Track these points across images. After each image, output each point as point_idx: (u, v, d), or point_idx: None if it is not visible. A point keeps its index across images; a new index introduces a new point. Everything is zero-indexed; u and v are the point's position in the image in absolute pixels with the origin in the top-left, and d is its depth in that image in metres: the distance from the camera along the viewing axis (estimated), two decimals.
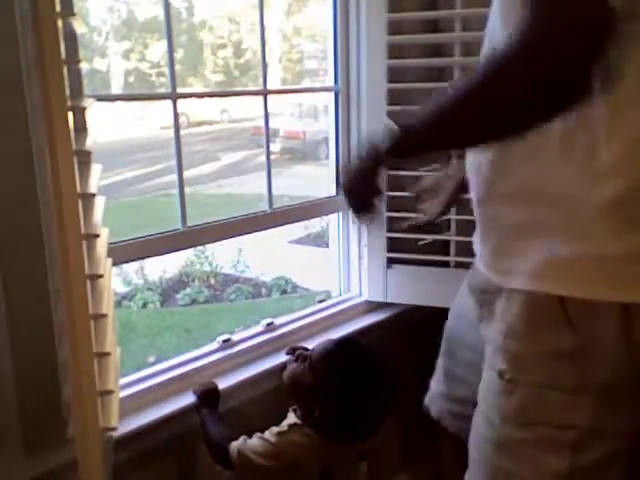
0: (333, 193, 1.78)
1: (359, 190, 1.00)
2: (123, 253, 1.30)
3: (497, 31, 0.87)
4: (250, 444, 1.24)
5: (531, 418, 0.89)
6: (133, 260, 1.39)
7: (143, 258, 1.43)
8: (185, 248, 1.49)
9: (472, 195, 1.00)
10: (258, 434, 1.26)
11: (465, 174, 1.28)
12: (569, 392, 0.86)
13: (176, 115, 1.37)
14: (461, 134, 0.80)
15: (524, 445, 0.89)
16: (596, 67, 0.67)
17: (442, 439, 1.35)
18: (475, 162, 0.96)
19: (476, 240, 1.02)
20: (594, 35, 0.65)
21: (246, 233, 1.57)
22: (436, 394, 1.30)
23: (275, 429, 1.27)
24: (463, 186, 1.31)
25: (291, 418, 1.30)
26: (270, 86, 1.56)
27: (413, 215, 1.69)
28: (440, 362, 1.30)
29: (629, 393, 0.87)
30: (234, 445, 1.24)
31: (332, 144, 1.77)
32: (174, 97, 1.36)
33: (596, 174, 0.80)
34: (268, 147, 1.63)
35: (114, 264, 1.22)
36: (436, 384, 1.30)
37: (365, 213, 1.03)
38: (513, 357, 0.89)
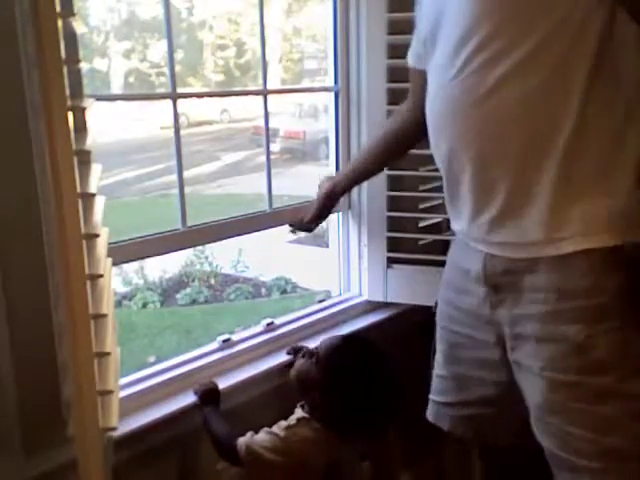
0: None
1: None
2: (123, 253, 1.30)
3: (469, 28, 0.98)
4: (258, 439, 1.24)
5: (617, 359, 0.97)
6: (133, 260, 1.39)
7: (143, 258, 1.43)
8: (185, 248, 1.49)
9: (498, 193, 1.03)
10: (266, 429, 1.26)
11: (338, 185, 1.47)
12: (637, 325, 0.96)
13: (176, 115, 1.37)
14: None
15: (620, 384, 0.97)
16: None
17: (445, 441, 1.35)
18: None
19: (496, 230, 1.04)
20: None
21: (246, 233, 1.57)
22: (444, 406, 1.27)
23: (284, 423, 1.27)
24: (331, 198, 1.48)
25: (299, 413, 1.30)
26: (270, 86, 1.56)
27: (413, 215, 1.71)
28: (442, 373, 1.27)
29: None
30: (242, 441, 1.24)
31: (332, 144, 1.77)
32: (174, 97, 1.36)
33: None
34: (268, 147, 1.63)
35: (114, 264, 1.22)
36: (441, 396, 1.27)
37: None
38: (584, 314, 0.97)
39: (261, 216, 1.60)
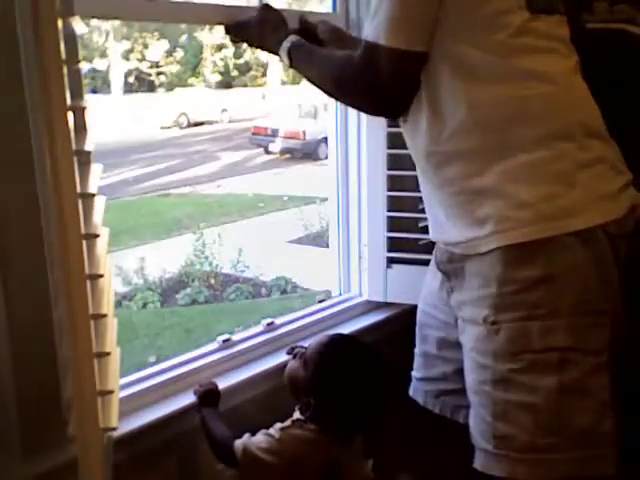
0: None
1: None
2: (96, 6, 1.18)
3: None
4: (255, 440, 1.24)
5: (517, 349, 1.02)
6: (105, 18, 1.23)
7: (116, 18, 1.27)
8: (164, 21, 1.41)
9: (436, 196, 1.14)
10: (263, 430, 1.27)
11: None
12: (544, 319, 1.00)
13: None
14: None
15: (517, 374, 1.02)
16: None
17: (443, 432, 1.36)
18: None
19: (441, 228, 1.16)
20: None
21: None
22: (417, 381, 1.35)
23: (279, 425, 1.27)
24: None
25: (295, 415, 1.31)
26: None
27: (413, 215, 1.71)
28: (416, 350, 1.36)
29: (599, 311, 1.02)
30: (239, 442, 1.24)
31: (332, 144, 1.77)
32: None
33: None
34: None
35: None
36: (416, 372, 1.36)
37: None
38: (494, 302, 1.03)
39: None
